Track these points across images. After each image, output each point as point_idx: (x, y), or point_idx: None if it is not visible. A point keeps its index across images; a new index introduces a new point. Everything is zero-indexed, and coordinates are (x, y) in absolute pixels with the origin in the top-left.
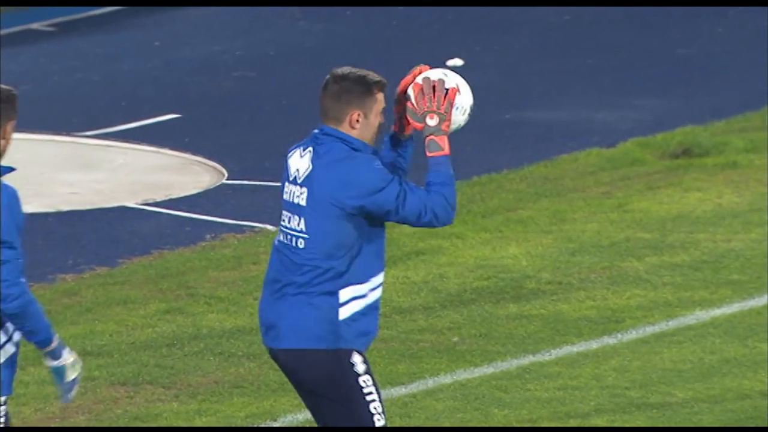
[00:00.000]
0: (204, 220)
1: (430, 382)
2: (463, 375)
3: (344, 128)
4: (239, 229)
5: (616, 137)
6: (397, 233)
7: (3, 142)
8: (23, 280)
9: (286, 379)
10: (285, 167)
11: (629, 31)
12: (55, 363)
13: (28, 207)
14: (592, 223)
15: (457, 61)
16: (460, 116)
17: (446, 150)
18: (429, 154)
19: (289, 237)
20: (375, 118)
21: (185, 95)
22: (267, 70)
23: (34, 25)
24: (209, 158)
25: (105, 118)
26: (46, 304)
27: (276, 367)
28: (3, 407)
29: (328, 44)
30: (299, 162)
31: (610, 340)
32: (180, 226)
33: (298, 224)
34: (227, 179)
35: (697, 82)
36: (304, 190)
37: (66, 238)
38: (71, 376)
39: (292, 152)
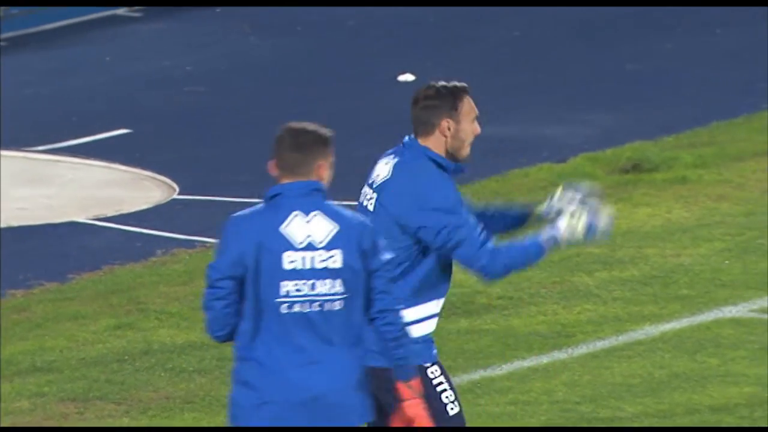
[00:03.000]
0: (155, 236)
1: None
2: None
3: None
4: (190, 244)
5: (567, 152)
6: None
7: None
8: None
9: None
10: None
11: (579, 47)
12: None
13: None
14: None
15: (408, 76)
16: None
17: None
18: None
19: None
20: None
21: (136, 110)
22: (218, 85)
23: None
24: (160, 173)
25: (55, 133)
26: None
27: (227, 382)
28: None
29: (278, 59)
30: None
31: (560, 355)
32: (130, 241)
33: None
34: (178, 194)
35: (647, 97)
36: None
37: (16, 253)
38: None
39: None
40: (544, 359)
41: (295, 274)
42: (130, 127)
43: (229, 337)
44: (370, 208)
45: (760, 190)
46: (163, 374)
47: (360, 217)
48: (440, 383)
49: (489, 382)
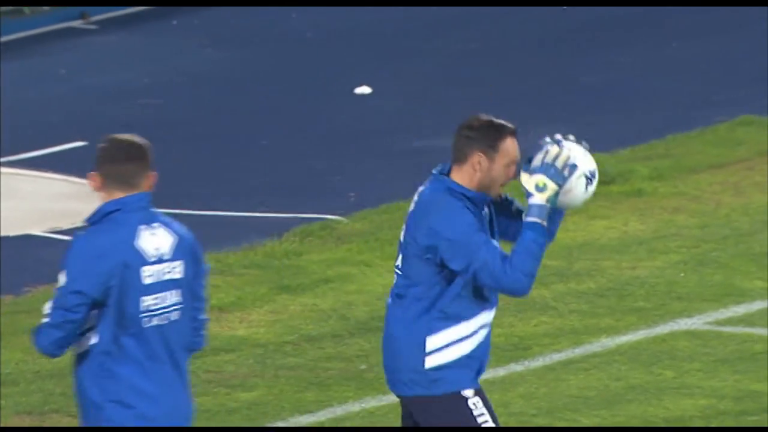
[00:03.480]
0: None
1: (339, 410)
2: (372, 403)
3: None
4: None
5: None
6: (305, 261)
7: None
8: None
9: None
10: None
11: (535, 60)
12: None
13: None
14: None
15: (365, 89)
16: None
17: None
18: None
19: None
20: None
21: (92, 123)
22: (175, 98)
23: None
24: None
25: (11, 146)
26: None
27: None
28: None
29: (235, 71)
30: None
31: (517, 367)
32: None
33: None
34: None
35: (603, 110)
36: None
37: None
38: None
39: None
40: (501, 371)
41: (152, 288)
42: (87, 140)
43: (62, 354)
44: (401, 239)
45: (715, 202)
46: None
47: (182, 226)
48: (481, 414)
49: None
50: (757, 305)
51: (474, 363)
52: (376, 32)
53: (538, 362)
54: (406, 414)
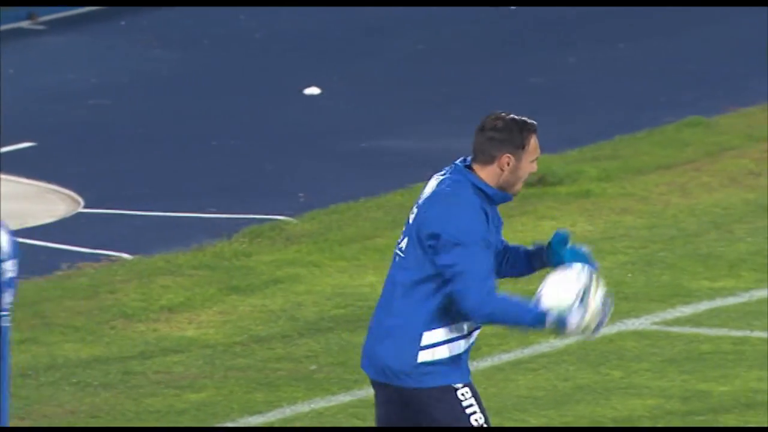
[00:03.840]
0: (59, 249)
1: (288, 411)
2: (321, 403)
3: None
4: (95, 257)
5: None
6: (254, 261)
7: None
8: None
9: (140, 409)
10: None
11: (482, 61)
12: None
13: None
14: None
15: (314, 90)
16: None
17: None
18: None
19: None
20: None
21: (40, 123)
22: (122, 99)
23: None
24: (64, 187)
25: None
26: None
27: (133, 396)
28: None
29: (184, 72)
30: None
31: None
32: (35, 255)
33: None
34: (83, 208)
35: (550, 111)
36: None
37: None
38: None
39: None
40: None
41: None
42: (35, 140)
43: None
44: (409, 221)
45: (662, 203)
46: (67, 389)
47: None
48: (470, 405)
49: None
50: (704, 305)
51: (464, 362)
52: (324, 33)
53: (487, 362)
54: (386, 399)
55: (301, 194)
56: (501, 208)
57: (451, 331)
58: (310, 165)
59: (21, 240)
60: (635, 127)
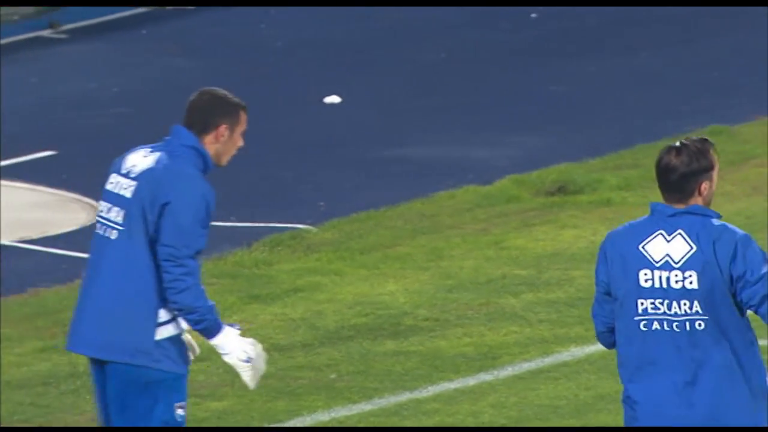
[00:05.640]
0: (81, 258)
1: (308, 419)
2: (341, 412)
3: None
4: None
5: (493, 174)
6: (275, 270)
7: None
8: None
9: None
10: None
11: (504, 69)
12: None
13: None
14: (469, 259)
15: (335, 98)
16: None
17: None
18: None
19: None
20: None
21: (62, 132)
22: (144, 107)
23: None
24: (86, 195)
25: None
26: None
27: None
28: None
29: (205, 81)
30: None
31: (486, 377)
32: (56, 263)
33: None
34: None
35: (572, 120)
36: None
37: None
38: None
39: None
40: (471, 381)
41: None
42: (56, 149)
43: None
44: None
45: None
46: (88, 397)
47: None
48: None
49: (416, 405)
50: None
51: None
52: (345, 42)
53: (508, 372)
54: None
55: (321, 203)
56: (521, 216)
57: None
58: (331, 173)
59: (42, 249)
60: (656, 135)
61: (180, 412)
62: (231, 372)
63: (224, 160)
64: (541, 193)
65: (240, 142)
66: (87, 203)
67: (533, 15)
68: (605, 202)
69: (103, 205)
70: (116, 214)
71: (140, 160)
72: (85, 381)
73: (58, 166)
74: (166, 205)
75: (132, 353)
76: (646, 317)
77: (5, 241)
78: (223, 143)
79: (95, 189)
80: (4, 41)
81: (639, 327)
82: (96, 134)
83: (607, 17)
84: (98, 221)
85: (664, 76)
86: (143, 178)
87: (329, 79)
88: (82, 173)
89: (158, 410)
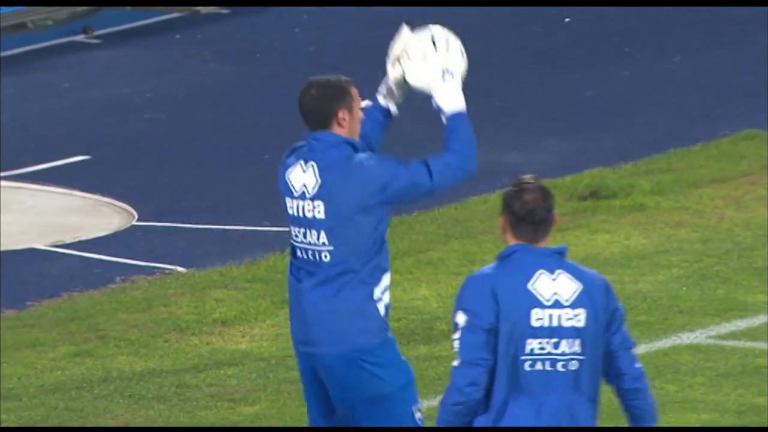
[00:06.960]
0: (114, 262)
1: None
2: None
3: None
4: (149, 270)
5: None
6: None
7: None
8: None
9: (194, 422)
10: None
11: (537, 74)
12: None
13: None
14: None
15: (367, 103)
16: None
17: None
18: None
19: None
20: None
21: (95, 137)
22: (177, 112)
23: None
24: (119, 200)
25: (14, 160)
26: None
27: (187, 409)
28: None
29: (238, 86)
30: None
31: None
32: (90, 268)
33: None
34: (137, 221)
35: (605, 124)
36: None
37: None
38: None
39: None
40: None
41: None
42: (90, 154)
43: None
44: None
45: (717, 216)
46: (121, 401)
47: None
48: None
49: None
50: (760, 319)
51: None
52: (377, 46)
53: None
54: None
55: None
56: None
57: None
58: None
59: (75, 253)
60: (690, 140)
61: None
62: (263, 376)
63: (357, 136)
64: (573, 198)
65: (361, 114)
66: (120, 207)
67: (567, 19)
68: (638, 207)
69: (295, 230)
70: (314, 236)
71: (304, 176)
72: (118, 385)
73: (92, 170)
74: (384, 191)
75: None
76: (533, 357)
77: (39, 246)
78: (348, 126)
79: (128, 193)
80: (38, 46)
81: (524, 367)
82: (130, 139)
83: (641, 21)
84: (297, 247)
85: (697, 81)
86: (325, 195)
87: (361, 83)
88: (115, 178)
89: None
